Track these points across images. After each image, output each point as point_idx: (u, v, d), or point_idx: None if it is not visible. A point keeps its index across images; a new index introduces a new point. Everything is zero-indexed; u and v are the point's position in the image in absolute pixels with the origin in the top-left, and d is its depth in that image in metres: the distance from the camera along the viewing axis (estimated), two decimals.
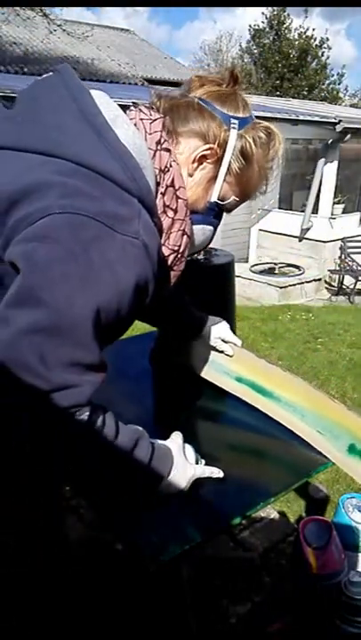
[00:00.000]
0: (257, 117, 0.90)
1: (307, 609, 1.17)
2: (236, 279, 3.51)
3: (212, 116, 0.84)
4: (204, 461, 0.97)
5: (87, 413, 0.71)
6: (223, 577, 1.56)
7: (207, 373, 1.35)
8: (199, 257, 1.92)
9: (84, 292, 0.67)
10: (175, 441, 0.94)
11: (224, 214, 0.95)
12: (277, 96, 17.31)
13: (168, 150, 0.81)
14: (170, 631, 1.26)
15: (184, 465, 0.90)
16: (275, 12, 19.47)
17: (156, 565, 0.84)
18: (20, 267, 0.67)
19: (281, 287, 6.86)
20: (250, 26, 20.95)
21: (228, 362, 1.31)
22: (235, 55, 23.01)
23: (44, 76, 0.80)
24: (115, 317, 0.71)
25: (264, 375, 1.23)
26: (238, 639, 1.42)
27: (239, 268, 6.42)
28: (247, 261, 8.21)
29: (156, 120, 0.82)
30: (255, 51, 20.57)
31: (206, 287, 1.81)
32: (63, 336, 0.66)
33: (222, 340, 1.29)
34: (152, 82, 12.39)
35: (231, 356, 1.30)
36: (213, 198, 0.89)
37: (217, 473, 0.96)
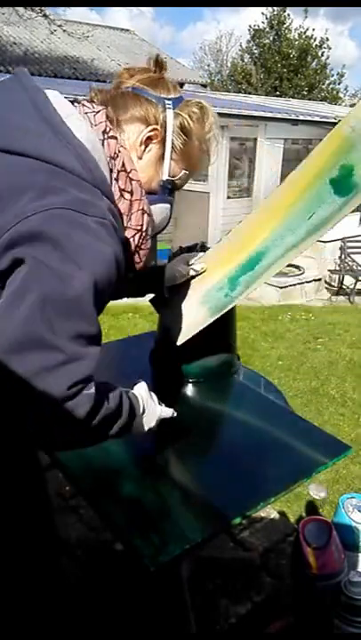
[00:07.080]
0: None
1: (307, 609, 1.17)
2: None
3: (147, 100, 0.91)
4: (163, 405, 1.04)
5: (93, 388, 0.76)
6: (223, 577, 1.56)
7: (208, 313, 1.26)
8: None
9: (81, 269, 0.72)
10: (142, 387, 1.00)
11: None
12: (277, 96, 17.31)
13: (115, 138, 0.87)
14: (170, 631, 1.26)
15: (154, 407, 1.00)
16: (275, 12, 19.48)
17: (156, 565, 0.84)
18: (19, 266, 0.72)
19: (281, 287, 6.85)
20: (250, 26, 20.99)
21: (209, 277, 1.25)
22: (235, 55, 23.05)
23: (2, 79, 0.87)
24: (108, 288, 0.78)
25: (236, 251, 1.22)
26: (238, 639, 1.42)
27: None
28: None
29: (99, 112, 0.88)
30: (255, 51, 20.58)
31: None
32: (70, 309, 0.72)
33: (188, 265, 1.26)
34: None
35: (205, 271, 1.26)
36: (165, 176, 0.95)
37: (172, 413, 1.03)
